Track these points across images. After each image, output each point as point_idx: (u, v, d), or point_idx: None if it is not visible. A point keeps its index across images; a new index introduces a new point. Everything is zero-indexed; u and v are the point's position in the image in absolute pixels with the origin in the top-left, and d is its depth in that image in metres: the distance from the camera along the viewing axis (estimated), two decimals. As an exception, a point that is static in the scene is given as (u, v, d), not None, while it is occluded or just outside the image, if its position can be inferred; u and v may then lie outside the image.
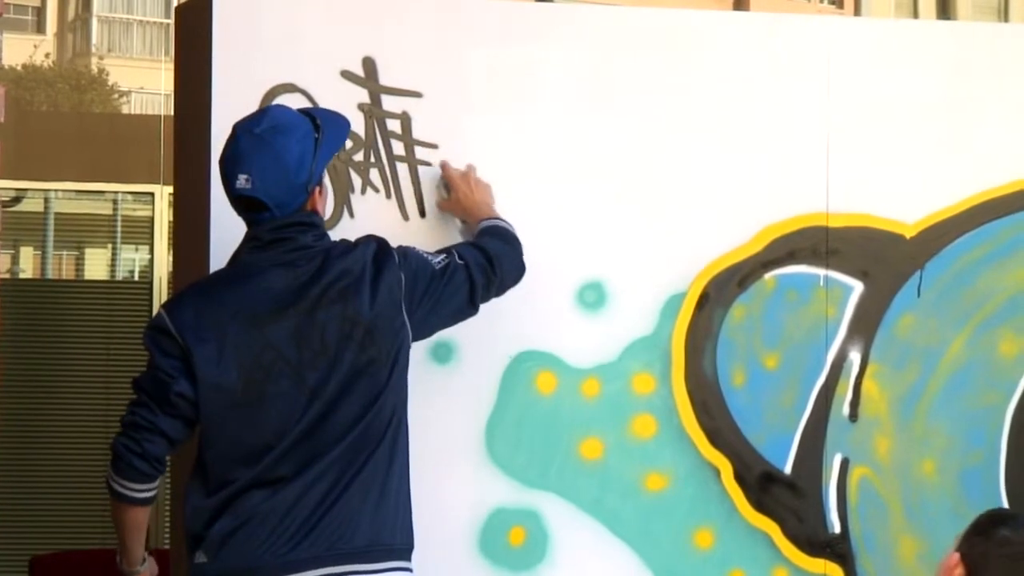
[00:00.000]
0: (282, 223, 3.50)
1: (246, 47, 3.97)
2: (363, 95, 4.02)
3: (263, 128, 3.49)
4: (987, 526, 2.98)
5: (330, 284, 3.50)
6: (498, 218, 3.92)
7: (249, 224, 3.54)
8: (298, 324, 3.46)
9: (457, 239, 3.98)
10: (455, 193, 4.00)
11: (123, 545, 3.59)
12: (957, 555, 2.95)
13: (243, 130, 3.52)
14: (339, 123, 3.68)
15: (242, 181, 3.46)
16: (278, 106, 3.68)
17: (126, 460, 3.45)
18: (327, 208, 3.78)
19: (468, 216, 3.98)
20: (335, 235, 3.68)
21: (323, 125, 3.55)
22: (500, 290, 3.83)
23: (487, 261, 3.76)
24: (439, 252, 3.74)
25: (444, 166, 4.02)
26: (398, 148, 4.03)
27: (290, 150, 3.47)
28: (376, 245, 3.61)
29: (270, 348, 3.45)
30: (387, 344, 3.52)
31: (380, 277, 3.54)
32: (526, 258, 3.95)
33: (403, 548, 3.56)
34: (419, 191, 4.06)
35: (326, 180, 3.72)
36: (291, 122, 3.53)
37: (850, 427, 4.33)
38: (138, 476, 3.47)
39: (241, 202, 3.50)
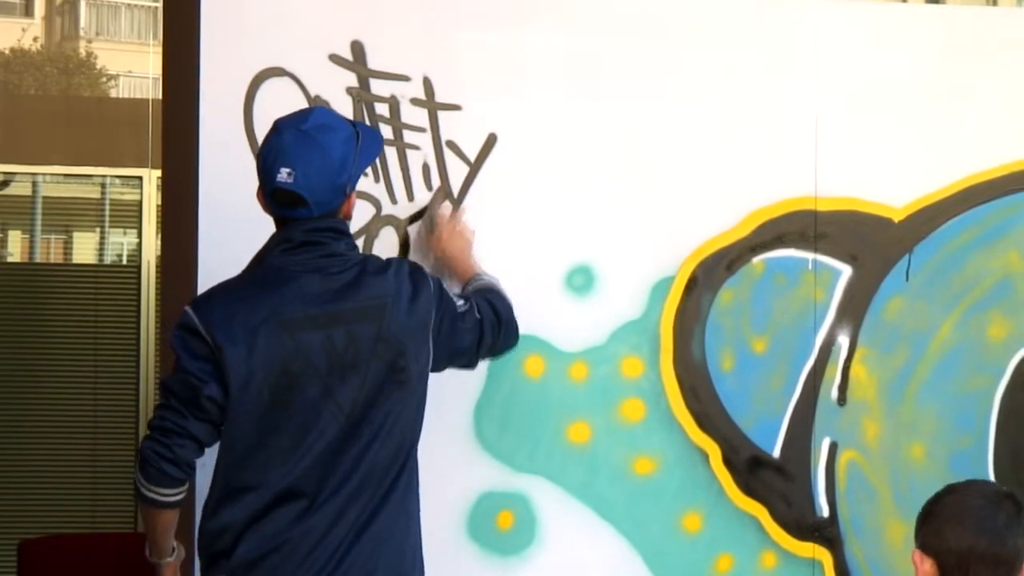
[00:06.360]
0: (316, 225, 3.46)
1: (234, 31, 3.96)
2: (352, 79, 4.02)
3: (310, 125, 3.46)
4: (928, 508, 3.03)
5: (366, 299, 3.47)
6: (491, 277, 3.91)
7: (281, 222, 3.50)
8: (330, 335, 3.44)
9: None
10: (437, 234, 3.98)
11: (153, 542, 3.55)
12: (917, 552, 2.98)
13: (287, 125, 3.49)
14: (376, 135, 3.70)
15: (284, 175, 3.42)
16: (322, 107, 3.66)
17: (156, 466, 3.40)
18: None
19: (447, 262, 3.96)
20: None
21: (362, 133, 3.55)
22: (496, 353, 3.85)
23: (497, 324, 3.77)
24: (459, 296, 3.74)
25: (432, 203, 4.02)
26: (387, 132, 4.02)
27: (336, 148, 3.45)
28: (409, 266, 3.60)
29: (300, 355, 3.42)
30: (415, 365, 3.52)
31: (416, 300, 3.53)
32: (515, 242, 4.00)
33: None
34: (407, 175, 4.05)
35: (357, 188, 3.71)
36: (336, 123, 3.52)
37: (838, 411, 4.33)
38: (169, 481, 3.42)
39: (278, 196, 3.45)
